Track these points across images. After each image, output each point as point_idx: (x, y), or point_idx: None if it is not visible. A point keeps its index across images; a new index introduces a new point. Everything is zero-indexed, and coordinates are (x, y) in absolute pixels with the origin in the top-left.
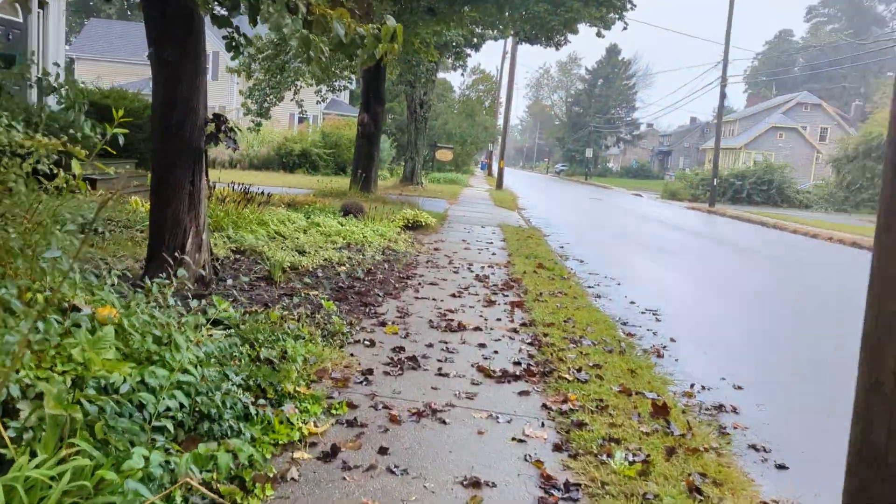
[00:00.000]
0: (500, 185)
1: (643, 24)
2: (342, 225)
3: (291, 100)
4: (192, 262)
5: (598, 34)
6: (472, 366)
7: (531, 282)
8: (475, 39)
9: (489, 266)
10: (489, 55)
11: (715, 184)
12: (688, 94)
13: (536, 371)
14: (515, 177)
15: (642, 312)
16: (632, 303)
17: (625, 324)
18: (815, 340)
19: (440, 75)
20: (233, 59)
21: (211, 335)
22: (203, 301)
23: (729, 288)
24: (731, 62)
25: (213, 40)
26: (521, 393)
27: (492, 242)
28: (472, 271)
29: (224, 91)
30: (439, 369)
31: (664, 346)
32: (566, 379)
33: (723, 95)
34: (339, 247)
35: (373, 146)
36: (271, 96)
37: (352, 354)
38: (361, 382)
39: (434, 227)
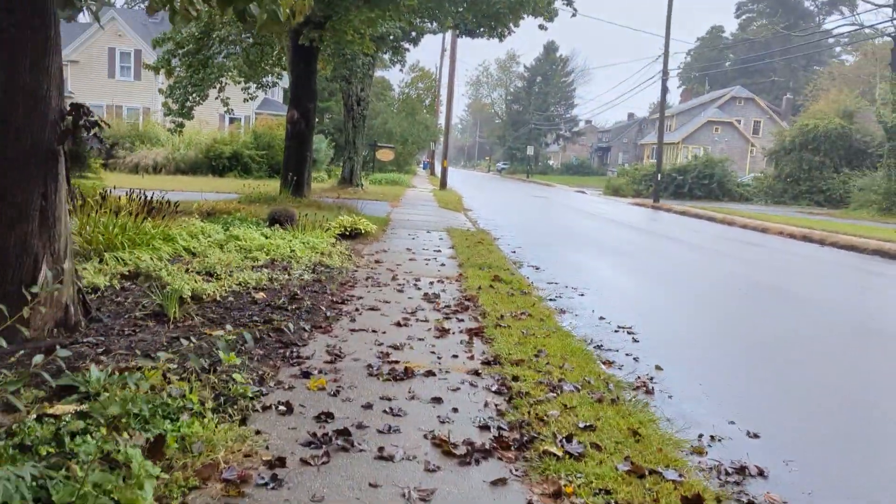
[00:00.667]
0: (443, 184)
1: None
2: (266, 237)
3: (217, 97)
4: (46, 301)
5: (541, 27)
6: (426, 437)
7: (488, 300)
8: (413, 33)
9: (439, 280)
10: (428, 52)
11: (658, 179)
12: (628, 89)
13: (511, 440)
14: (458, 176)
15: (615, 331)
16: (601, 318)
17: (599, 347)
18: (807, 354)
19: (378, 73)
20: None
21: (56, 416)
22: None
23: (696, 293)
24: (669, 56)
25: (135, 38)
26: (496, 482)
27: (440, 250)
28: (419, 288)
29: (149, 91)
30: (380, 449)
31: (651, 378)
32: (553, 454)
33: (664, 90)
34: (259, 265)
35: (304, 146)
36: (194, 94)
37: (258, 431)
38: (266, 484)
39: (375, 234)
